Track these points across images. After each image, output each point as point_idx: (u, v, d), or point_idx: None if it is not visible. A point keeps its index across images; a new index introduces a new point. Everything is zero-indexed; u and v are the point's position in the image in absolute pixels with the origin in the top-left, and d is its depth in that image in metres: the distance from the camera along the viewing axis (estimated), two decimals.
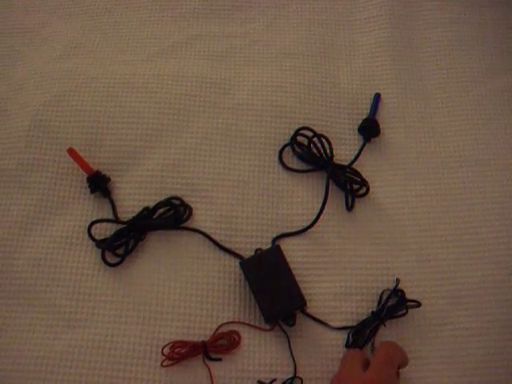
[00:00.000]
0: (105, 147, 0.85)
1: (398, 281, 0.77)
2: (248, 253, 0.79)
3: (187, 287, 0.77)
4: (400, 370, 0.68)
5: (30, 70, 0.95)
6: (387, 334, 0.75)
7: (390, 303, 0.75)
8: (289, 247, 0.79)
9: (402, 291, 0.76)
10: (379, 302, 0.76)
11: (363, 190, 0.83)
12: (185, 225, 0.80)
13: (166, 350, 0.72)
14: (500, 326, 0.76)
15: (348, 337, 0.74)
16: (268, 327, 0.75)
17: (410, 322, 0.76)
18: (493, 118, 0.90)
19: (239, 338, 0.74)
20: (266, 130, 0.87)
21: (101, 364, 0.73)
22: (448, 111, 0.90)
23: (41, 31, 0.99)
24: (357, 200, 0.83)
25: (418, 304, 0.75)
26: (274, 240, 0.80)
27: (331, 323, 0.75)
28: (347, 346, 0.74)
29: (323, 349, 0.74)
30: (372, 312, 0.75)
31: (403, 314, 0.75)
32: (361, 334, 0.73)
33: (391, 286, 0.77)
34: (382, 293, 0.77)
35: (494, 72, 0.94)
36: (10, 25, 1.00)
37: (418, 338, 0.75)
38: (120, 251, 0.78)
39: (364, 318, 0.75)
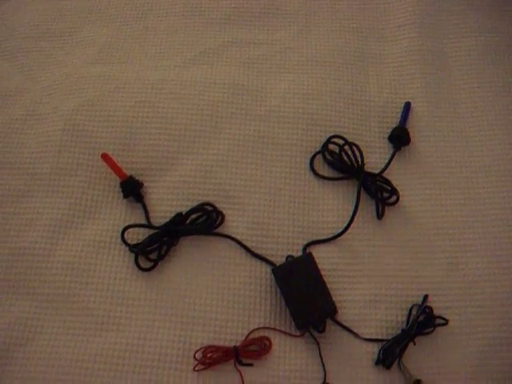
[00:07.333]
0: (137, 152, 0.86)
1: (425, 297, 0.77)
2: (279, 259, 0.79)
3: (219, 292, 0.78)
4: (425, 380, 0.68)
5: (63, 73, 0.95)
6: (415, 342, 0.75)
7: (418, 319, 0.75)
8: (319, 254, 0.79)
9: (430, 308, 0.76)
10: (408, 318, 0.76)
11: (393, 199, 0.83)
12: (217, 231, 0.81)
13: (198, 355, 0.73)
14: None
15: (378, 354, 0.74)
16: (298, 333, 0.76)
17: (437, 332, 0.76)
18: None
19: (270, 343, 0.74)
20: (297, 138, 0.88)
21: (133, 367, 0.73)
22: (478, 120, 0.90)
23: (73, 36, 1.00)
24: (386, 208, 0.83)
25: (446, 322, 0.75)
26: (305, 247, 0.80)
27: (360, 331, 0.76)
28: (377, 363, 0.74)
29: (352, 356, 0.75)
30: (402, 330, 0.75)
31: (431, 331, 0.75)
32: (390, 352, 0.73)
33: (420, 294, 0.78)
34: (412, 308, 0.77)
35: None
36: (43, 29, 1.01)
37: (446, 347, 0.75)
38: (153, 256, 0.78)
39: (392, 329, 0.76)
